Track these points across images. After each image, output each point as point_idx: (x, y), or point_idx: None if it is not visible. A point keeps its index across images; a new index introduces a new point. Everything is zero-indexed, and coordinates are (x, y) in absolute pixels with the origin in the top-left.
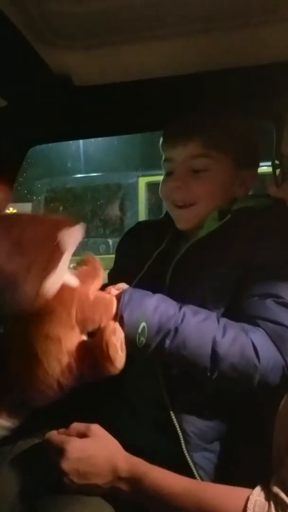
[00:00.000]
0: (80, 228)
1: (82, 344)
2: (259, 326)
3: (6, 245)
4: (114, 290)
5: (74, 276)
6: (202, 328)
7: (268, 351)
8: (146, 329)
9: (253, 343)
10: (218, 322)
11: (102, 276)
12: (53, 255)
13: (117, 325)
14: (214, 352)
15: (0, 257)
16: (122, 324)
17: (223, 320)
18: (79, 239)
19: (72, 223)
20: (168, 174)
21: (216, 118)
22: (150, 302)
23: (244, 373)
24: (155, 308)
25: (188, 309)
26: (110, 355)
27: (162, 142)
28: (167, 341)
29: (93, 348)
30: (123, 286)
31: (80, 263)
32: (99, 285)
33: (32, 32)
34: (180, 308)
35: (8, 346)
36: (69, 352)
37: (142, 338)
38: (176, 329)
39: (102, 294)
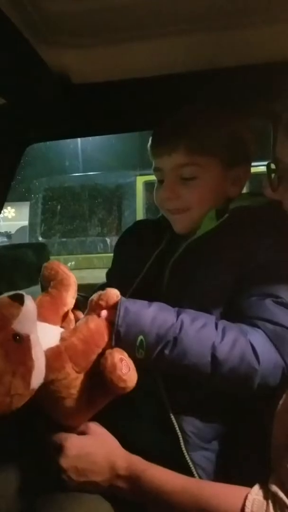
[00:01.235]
0: (28, 301)
1: (90, 378)
2: (258, 327)
3: None
4: (104, 312)
5: (51, 329)
6: (201, 336)
7: (268, 353)
8: (144, 342)
9: (252, 346)
10: (217, 327)
11: (74, 282)
12: (23, 359)
13: (115, 351)
14: (214, 358)
15: None
16: (119, 338)
17: (222, 324)
18: (34, 311)
19: (17, 301)
20: (160, 182)
21: (202, 122)
22: (146, 314)
23: (244, 376)
24: (152, 320)
25: (185, 316)
26: (119, 385)
27: (149, 151)
28: (166, 352)
29: (102, 377)
30: (112, 294)
31: (48, 277)
32: (74, 293)
33: (30, 30)
34: (178, 315)
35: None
36: (81, 391)
37: (141, 351)
38: (175, 339)
39: (89, 331)
